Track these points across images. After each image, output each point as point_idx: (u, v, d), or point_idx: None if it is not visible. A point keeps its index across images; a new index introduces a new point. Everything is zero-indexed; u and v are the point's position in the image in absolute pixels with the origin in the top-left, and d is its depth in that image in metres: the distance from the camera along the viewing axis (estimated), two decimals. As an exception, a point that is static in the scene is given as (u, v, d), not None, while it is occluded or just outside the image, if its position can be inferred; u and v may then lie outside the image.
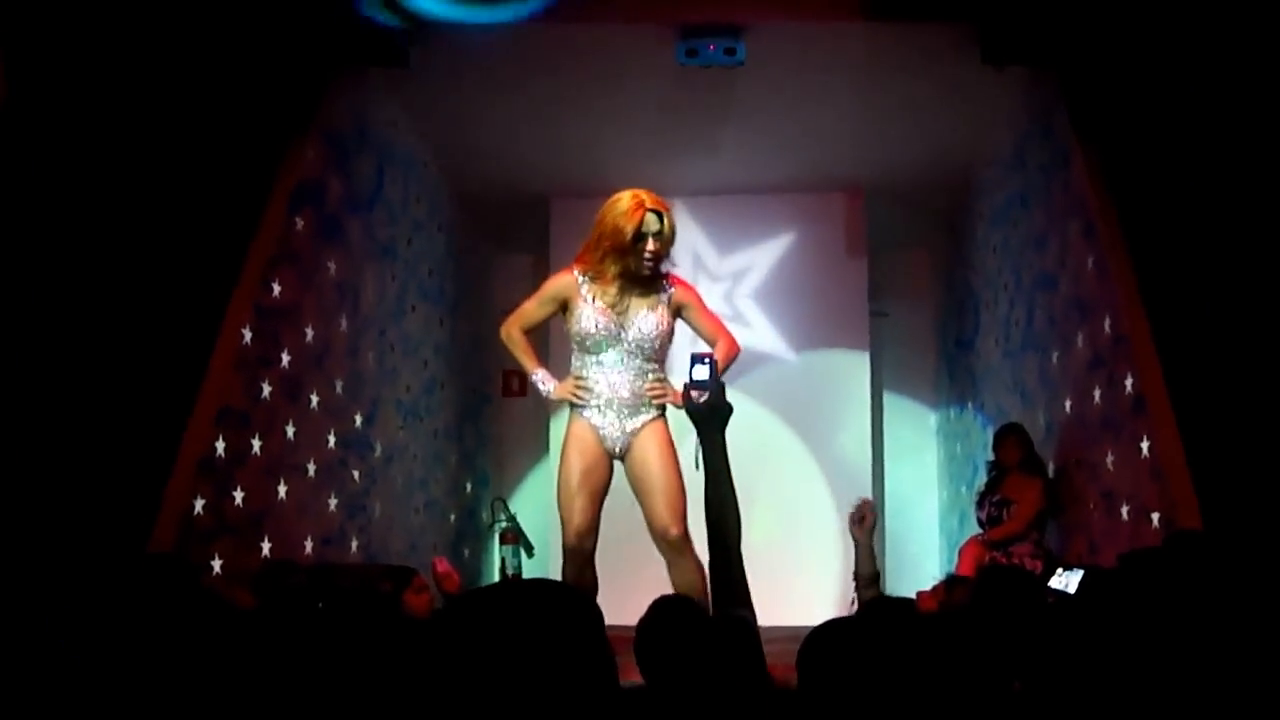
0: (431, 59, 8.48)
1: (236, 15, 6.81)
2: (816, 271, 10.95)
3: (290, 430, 7.49)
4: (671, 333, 6.79)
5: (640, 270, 6.50)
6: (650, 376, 6.67)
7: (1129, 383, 6.95)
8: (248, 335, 6.96)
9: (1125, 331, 6.96)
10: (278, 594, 5.52)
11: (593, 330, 6.60)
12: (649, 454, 6.63)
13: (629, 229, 6.42)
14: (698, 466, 3.94)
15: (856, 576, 5.01)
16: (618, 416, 6.67)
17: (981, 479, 8.99)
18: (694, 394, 3.91)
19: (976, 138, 9.81)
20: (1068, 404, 8.07)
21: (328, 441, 8.05)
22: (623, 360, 6.65)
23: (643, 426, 6.66)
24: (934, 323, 11.89)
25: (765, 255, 11.01)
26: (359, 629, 3.97)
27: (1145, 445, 6.70)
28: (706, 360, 4.07)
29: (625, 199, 6.49)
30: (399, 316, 9.54)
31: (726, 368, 6.72)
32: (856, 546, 5.09)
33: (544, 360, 7.16)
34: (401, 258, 9.60)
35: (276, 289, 7.31)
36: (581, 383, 6.73)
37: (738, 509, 3.66)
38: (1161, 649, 3.00)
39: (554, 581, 2.31)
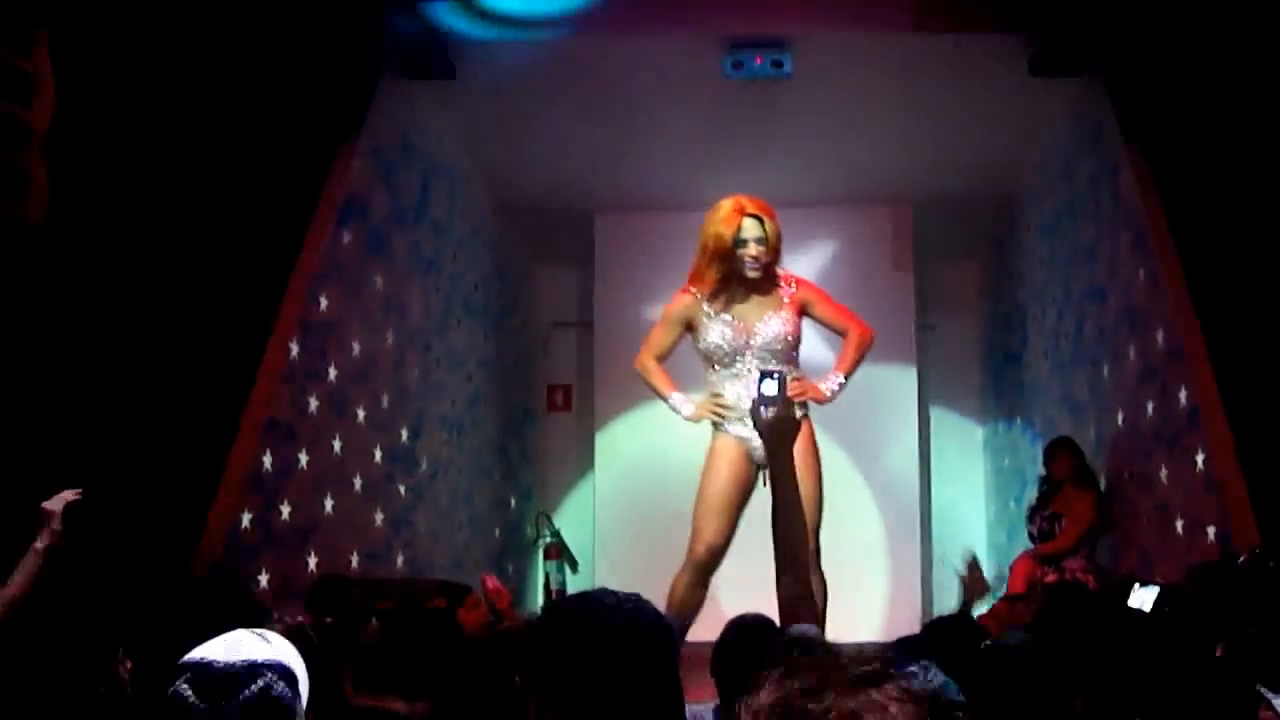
0: (476, 73, 8.48)
1: (282, 29, 6.81)
2: (863, 284, 10.87)
3: (337, 444, 7.47)
4: (799, 332, 6.78)
5: (744, 274, 6.53)
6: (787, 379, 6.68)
7: (1183, 395, 6.86)
8: (295, 349, 6.95)
9: (1179, 343, 6.88)
10: (334, 609, 5.49)
11: (720, 343, 6.61)
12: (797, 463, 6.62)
13: (728, 234, 6.50)
14: (764, 483, 3.99)
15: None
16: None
17: (1031, 493, 8.90)
18: (762, 410, 3.92)
19: (1024, 149, 9.74)
20: (1119, 417, 7.98)
21: (374, 456, 8.04)
22: (756, 368, 6.62)
23: None
24: (981, 336, 11.81)
25: (811, 268, 10.91)
26: (420, 645, 3.94)
27: (1200, 458, 6.61)
28: (775, 376, 4.09)
29: (725, 206, 6.59)
30: (444, 331, 9.53)
31: (862, 356, 6.77)
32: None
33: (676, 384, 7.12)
34: (446, 272, 9.59)
35: (323, 303, 7.30)
36: (719, 399, 6.71)
37: (804, 525, 3.65)
38: (1237, 666, 2.95)
39: (638, 604, 2.24)
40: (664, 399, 6.98)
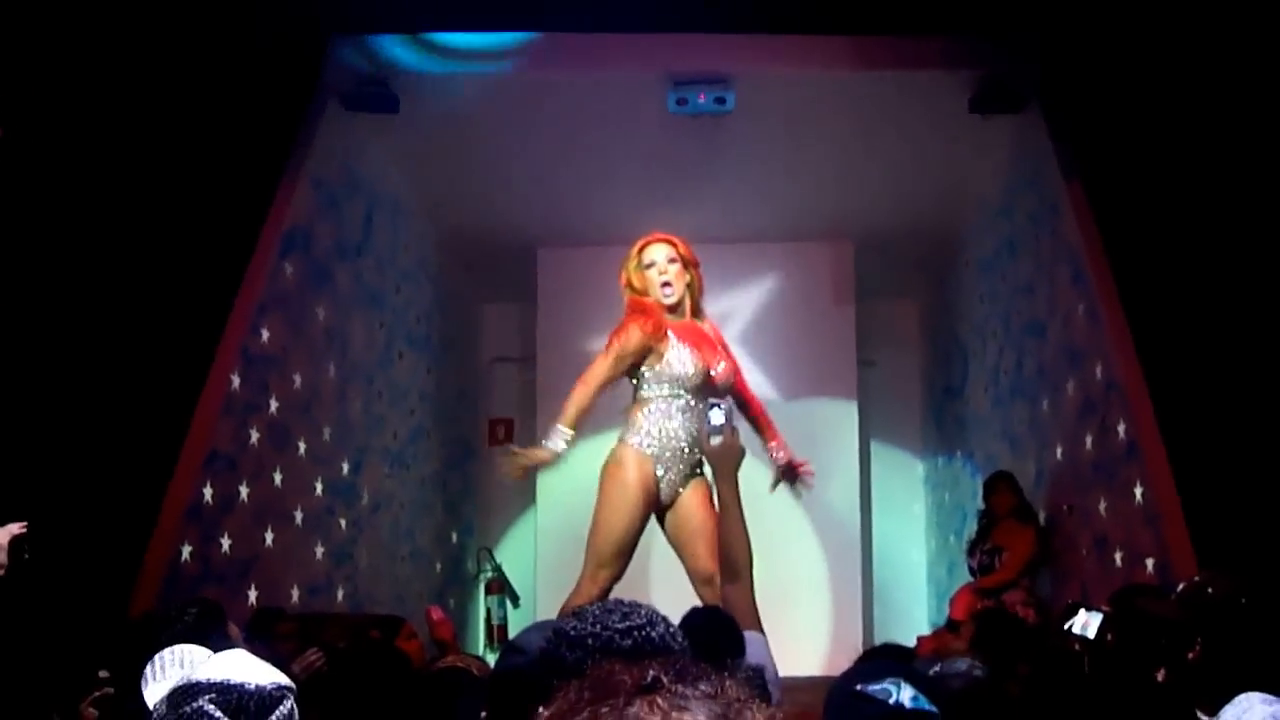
0: (421, 106, 8.48)
1: (225, 60, 6.80)
2: (804, 320, 10.93)
3: (278, 477, 7.43)
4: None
5: (660, 298, 6.38)
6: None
7: (1121, 428, 6.93)
8: (236, 381, 6.92)
9: (1117, 377, 6.95)
10: (269, 640, 5.47)
11: (688, 372, 6.30)
12: (701, 501, 6.37)
13: (634, 258, 6.41)
14: (714, 505, 4.22)
15: None
16: (676, 467, 6.41)
17: (971, 527, 8.95)
18: (710, 438, 4.06)
19: (964, 186, 9.83)
20: (1059, 451, 8.06)
21: (315, 489, 8.00)
22: (701, 402, 6.36)
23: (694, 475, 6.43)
24: (922, 371, 11.90)
25: (752, 303, 10.98)
26: (370, 677, 3.94)
27: (1139, 491, 6.68)
28: (721, 405, 4.20)
29: (634, 244, 6.50)
30: (386, 364, 9.51)
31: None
32: None
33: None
34: (389, 305, 9.57)
35: (265, 335, 7.27)
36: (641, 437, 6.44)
37: (749, 542, 3.84)
38: (1176, 691, 2.98)
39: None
40: (558, 428, 6.32)
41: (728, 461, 4.03)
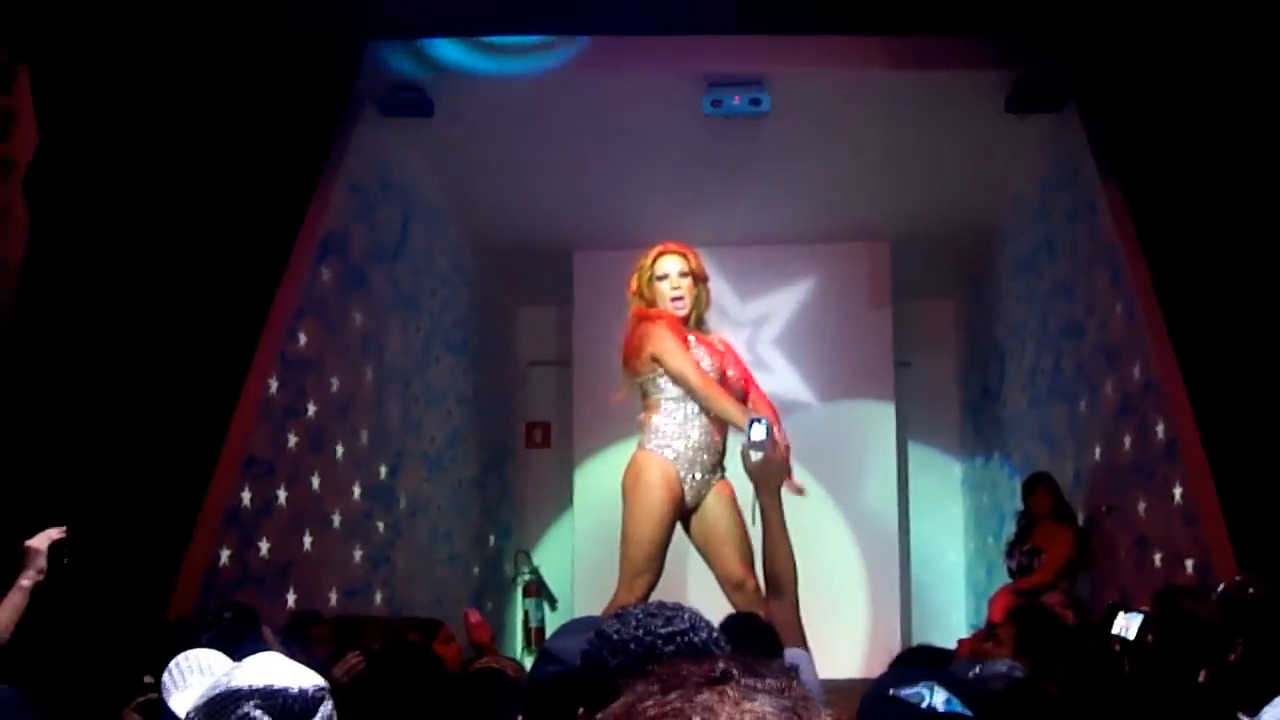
0: (455, 110, 8.50)
1: (260, 66, 6.83)
2: (840, 321, 10.90)
3: (316, 481, 7.46)
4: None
5: (669, 310, 6.30)
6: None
7: (1160, 428, 6.89)
8: (274, 385, 6.94)
9: (1156, 377, 6.91)
10: (305, 644, 5.48)
11: (710, 370, 6.21)
12: (727, 509, 6.25)
13: (646, 269, 6.31)
14: (754, 522, 4.22)
15: None
16: (697, 469, 6.29)
17: (1009, 529, 8.91)
18: (751, 454, 4.03)
19: (1000, 186, 9.79)
20: (1097, 451, 8.01)
21: (353, 493, 8.02)
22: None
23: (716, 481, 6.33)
24: (959, 373, 11.84)
25: (789, 304, 10.97)
26: (408, 680, 3.95)
27: (1178, 491, 6.63)
28: (763, 420, 4.17)
29: (648, 254, 6.38)
30: (423, 368, 9.53)
31: None
32: None
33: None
34: (425, 309, 9.59)
35: (303, 339, 7.30)
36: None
37: (793, 558, 3.83)
38: (1219, 691, 2.96)
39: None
40: (742, 426, 5.64)
41: (770, 478, 4.00)
